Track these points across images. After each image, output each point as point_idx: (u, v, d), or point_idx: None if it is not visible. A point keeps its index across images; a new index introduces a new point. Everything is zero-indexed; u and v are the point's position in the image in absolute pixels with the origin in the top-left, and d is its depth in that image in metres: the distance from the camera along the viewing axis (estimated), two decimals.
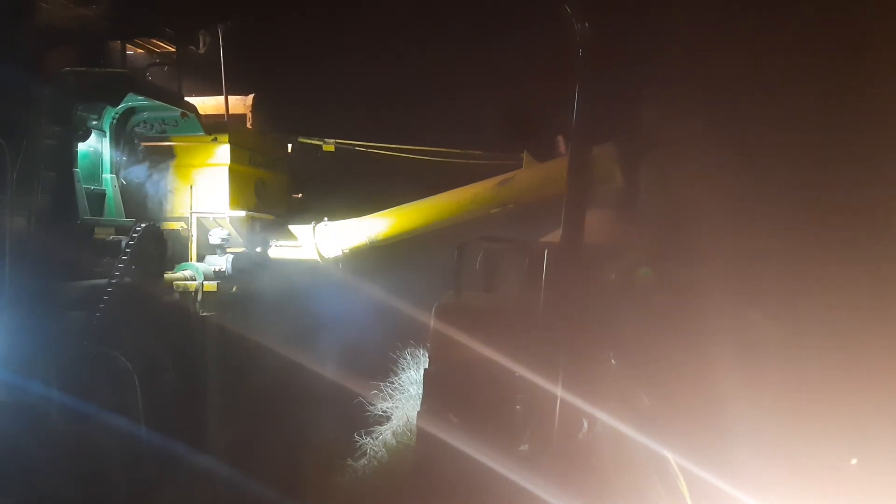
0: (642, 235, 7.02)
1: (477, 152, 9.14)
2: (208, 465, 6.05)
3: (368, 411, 8.98)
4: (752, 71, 5.90)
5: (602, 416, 5.69)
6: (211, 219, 8.29)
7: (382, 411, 9.00)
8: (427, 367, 7.03)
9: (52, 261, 5.77)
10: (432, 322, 6.80)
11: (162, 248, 7.39)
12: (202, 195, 8.31)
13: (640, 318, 5.99)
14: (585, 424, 5.87)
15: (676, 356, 5.52)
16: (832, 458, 4.65)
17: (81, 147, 6.91)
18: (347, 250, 8.92)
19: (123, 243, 6.83)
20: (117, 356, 6.02)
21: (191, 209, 8.25)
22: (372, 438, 8.67)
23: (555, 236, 8.29)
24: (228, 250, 8.30)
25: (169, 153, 8.20)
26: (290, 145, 9.99)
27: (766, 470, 4.66)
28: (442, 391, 6.59)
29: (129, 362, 6.01)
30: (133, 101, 7.18)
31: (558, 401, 5.71)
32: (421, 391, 7.50)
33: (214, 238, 8.16)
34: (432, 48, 10.52)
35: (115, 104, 6.84)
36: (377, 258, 9.33)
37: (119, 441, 5.76)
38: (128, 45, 7.95)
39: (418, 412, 6.85)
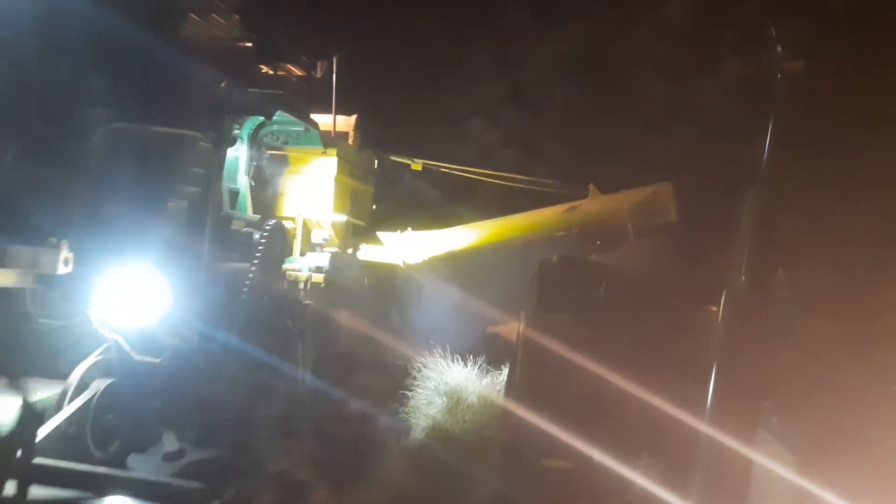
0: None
1: (549, 181, 10.40)
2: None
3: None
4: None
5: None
6: (315, 221, 9.56)
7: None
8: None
9: (215, 246, 7.04)
10: (520, 339, 7.29)
11: (284, 243, 8.65)
12: (309, 199, 9.59)
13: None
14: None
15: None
16: None
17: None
18: (428, 258, 10.16)
19: (257, 235, 8.08)
20: (286, 321, 7.34)
21: (299, 211, 9.53)
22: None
23: (609, 258, 9.40)
24: (326, 249, 9.55)
25: (286, 161, 9.50)
26: (376, 161, 11.29)
27: None
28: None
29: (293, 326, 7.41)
30: None
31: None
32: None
33: (317, 237, 9.41)
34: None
35: (270, 119, 8.13)
36: (450, 269, 10.50)
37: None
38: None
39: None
